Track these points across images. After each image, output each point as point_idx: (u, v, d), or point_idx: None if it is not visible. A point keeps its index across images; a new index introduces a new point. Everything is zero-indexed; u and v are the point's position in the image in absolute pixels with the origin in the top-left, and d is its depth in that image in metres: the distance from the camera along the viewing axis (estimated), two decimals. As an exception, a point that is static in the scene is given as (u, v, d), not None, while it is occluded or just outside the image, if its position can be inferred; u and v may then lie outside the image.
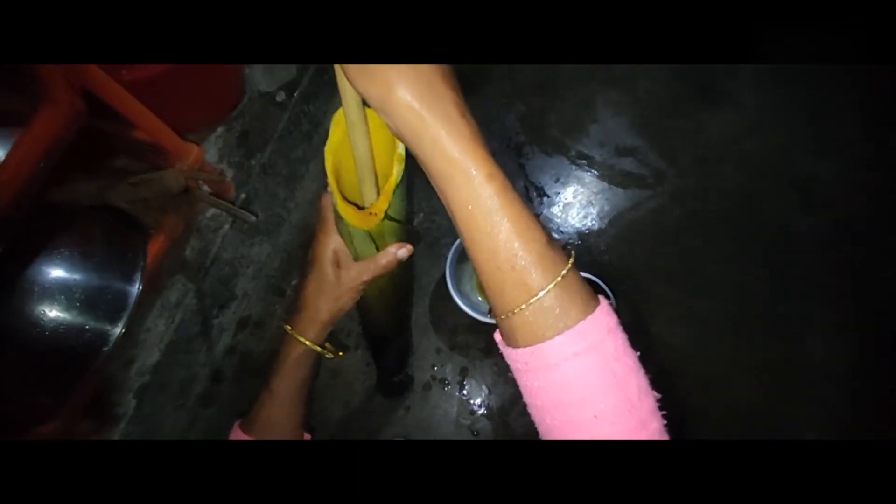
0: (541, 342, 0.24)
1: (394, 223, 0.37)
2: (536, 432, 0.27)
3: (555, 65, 1.21)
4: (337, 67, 0.29)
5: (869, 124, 1.17)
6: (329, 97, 1.06)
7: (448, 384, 0.93)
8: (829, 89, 1.20)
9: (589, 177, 1.10)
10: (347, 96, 0.31)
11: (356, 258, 0.40)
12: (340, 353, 0.47)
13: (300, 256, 1.01)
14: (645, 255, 1.06)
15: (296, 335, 0.41)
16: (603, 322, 0.25)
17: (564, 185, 1.09)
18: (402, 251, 0.39)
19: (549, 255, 0.24)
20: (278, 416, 0.42)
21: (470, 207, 0.25)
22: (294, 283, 1.00)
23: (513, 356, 0.26)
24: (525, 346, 0.25)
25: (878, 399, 0.99)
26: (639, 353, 0.26)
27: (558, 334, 0.24)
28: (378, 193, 0.36)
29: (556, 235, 1.06)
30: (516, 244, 0.24)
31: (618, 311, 0.73)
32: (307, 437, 0.46)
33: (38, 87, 0.56)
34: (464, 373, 0.94)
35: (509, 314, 0.25)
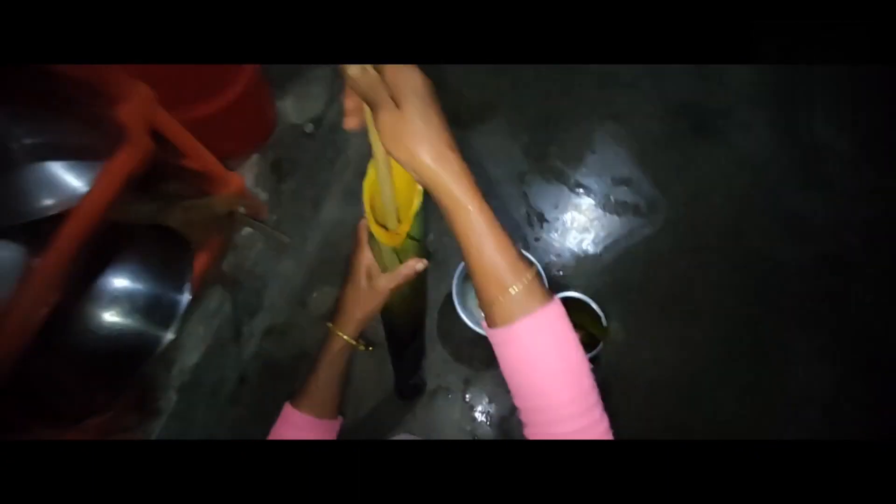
0: (512, 323, 0.34)
1: (414, 242, 0.47)
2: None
3: (557, 98, 1.31)
4: (372, 134, 0.38)
5: (855, 164, 1.25)
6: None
7: (452, 392, 1.02)
8: (818, 131, 1.28)
9: (586, 204, 1.19)
10: (378, 153, 0.40)
11: (384, 270, 0.50)
12: (371, 348, 0.57)
13: (323, 272, 1.11)
14: (638, 279, 1.14)
15: (337, 332, 0.51)
16: (553, 312, 0.35)
17: (563, 211, 1.19)
18: (420, 265, 0.50)
19: (519, 265, 0.34)
20: (322, 396, 0.52)
21: (467, 232, 0.34)
22: (315, 295, 1.10)
23: (493, 334, 0.36)
24: (502, 326, 0.35)
25: (855, 421, 1.05)
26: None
27: (524, 317, 0.34)
28: (401, 219, 0.46)
29: (553, 258, 1.15)
30: (497, 257, 0.34)
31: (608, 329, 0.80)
32: (340, 419, 0.56)
33: (117, 128, 0.67)
34: (467, 382, 1.03)
35: (491, 304, 0.35)
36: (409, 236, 0.45)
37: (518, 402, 0.36)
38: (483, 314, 0.37)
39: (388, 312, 0.59)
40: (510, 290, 0.34)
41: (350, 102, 0.36)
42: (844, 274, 1.15)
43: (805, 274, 1.15)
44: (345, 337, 0.51)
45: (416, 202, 0.44)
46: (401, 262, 0.49)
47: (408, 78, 0.32)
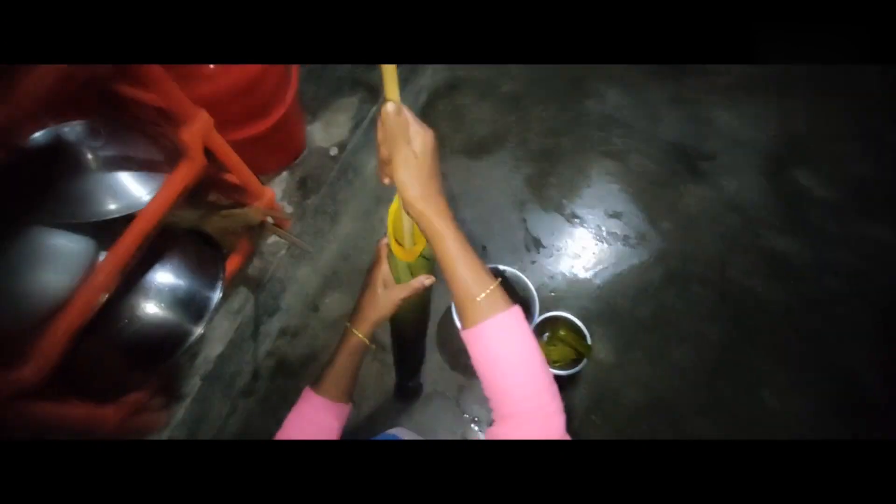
0: (478, 324, 0.42)
1: (425, 261, 0.58)
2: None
3: (559, 135, 1.43)
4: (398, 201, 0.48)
5: (836, 211, 1.34)
6: (370, 151, 1.29)
7: (447, 397, 1.11)
8: (801, 179, 1.39)
9: (580, 233, 1.30)
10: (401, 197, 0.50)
11: (398, 282, 0.60)
12: (380, 349, 0.66)
13: (335, 280, 1.21)
14: (626, 304, 1.23)
15: (353, 330, 0.61)
16: (512, 316, 0.43)
17: (558, 238, 1.29)
18: (428, 280, 0.60)
19: (484, 278, 0.43)
20: (337, 383, 0.61)
21: (444, 254, 0.43)
22: (327, 301, 1.20)
23: (464, 333, 0.45)
24: (470, 327, 0.43)
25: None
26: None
27: (486, 320, 0.42)
28: (416, 241, 0.56)
29: (547, 280, 1.24)
30: (467, 273, 0.43)
31: (592, 349, 0.89)
32: (350, 404, 0.64)
33: (178, 147, 0.79)
34: (460, 389, 1.11)
35: (463, 309, 0.44)
36: (421, 255, 0.56)
37: (485, 391, 0.44)
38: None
39: (396, 319, 0.69)
40: (476, 298, 0.43)
41: (383, 151, 0.44)
42: (819, 312, 1.24)
43: (783, 310, 1.23)
44: (359, 335, 0.60)
45: None
46: (413, 276, 0.59)
47: (426, 133, 0.43)
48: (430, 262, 0.60)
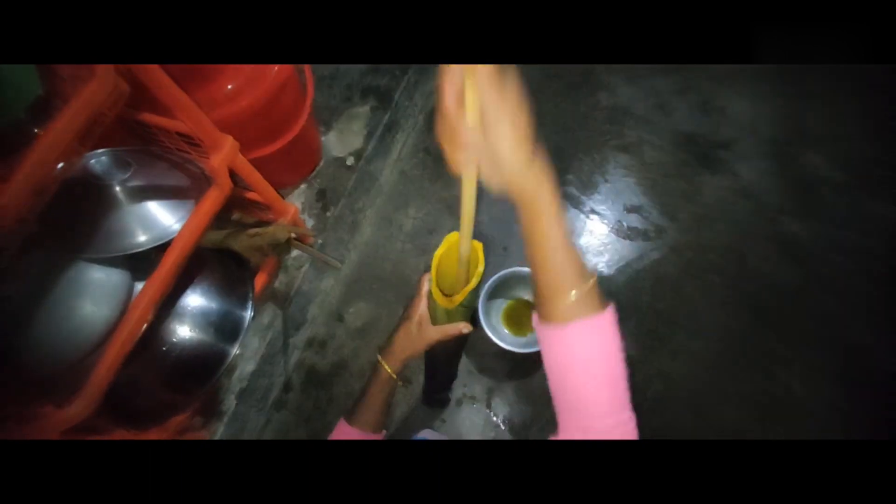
0: (564, 324, 0.37)
1: (464, 308, 0.56)
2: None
3: (574, 133, 1.42)
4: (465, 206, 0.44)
5: (845, 191, 1.33)
6: (385, 157, 1.29)
7: (477, 401, 1.12)
8: (812, 162, 1.37)
9: (600, 229, 1.29)
10: (465, 234, 0.47)
11: (434, 323, 0.59)
12: (407, 384, 0.66)
13: (357, 289, 1.22)
14: (648, 298, 1.23)
15: (384, 365, 0.61)
16: (605, 320, 0.38)
17: (579, 235, 1.29)
18: (466, 329, 0.58)
19: (583, 273, 0.37)
20: (369, 415, 0.61)
21: (542, 237, 0.37)
22: (351, 310, 1.21)
23: (543, 329, 0.39)
24: (553, 324, 0.38)
25: (846, 431, 1.13)
26: (629, 363, 0.39)
27: (578, 321, 0.37)
28: (458, 290, 0.55)
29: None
30: (565, 263, 0.37)
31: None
32: (384, 432, 0.65)
33: (203, 172, 0.79)
34: (490, 392, 1.13)
35: (549, 302, 0.37)
36: (461, 304, 0.54)
37: (555, 396, 0.39)
38: (535, 309, 0.40)
39: (432, 350, 0.68)
40: (570, 293, 0.36)
41: (462, 125, 0.35)
42: (835, 294, 1.23)
43: (799, 294, 1.23)
44: (388, 370, 0.60)
45: (474, 282, 0.53)
46: (450, 320, 0.58)
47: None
48: (469, 310, 0.58)
